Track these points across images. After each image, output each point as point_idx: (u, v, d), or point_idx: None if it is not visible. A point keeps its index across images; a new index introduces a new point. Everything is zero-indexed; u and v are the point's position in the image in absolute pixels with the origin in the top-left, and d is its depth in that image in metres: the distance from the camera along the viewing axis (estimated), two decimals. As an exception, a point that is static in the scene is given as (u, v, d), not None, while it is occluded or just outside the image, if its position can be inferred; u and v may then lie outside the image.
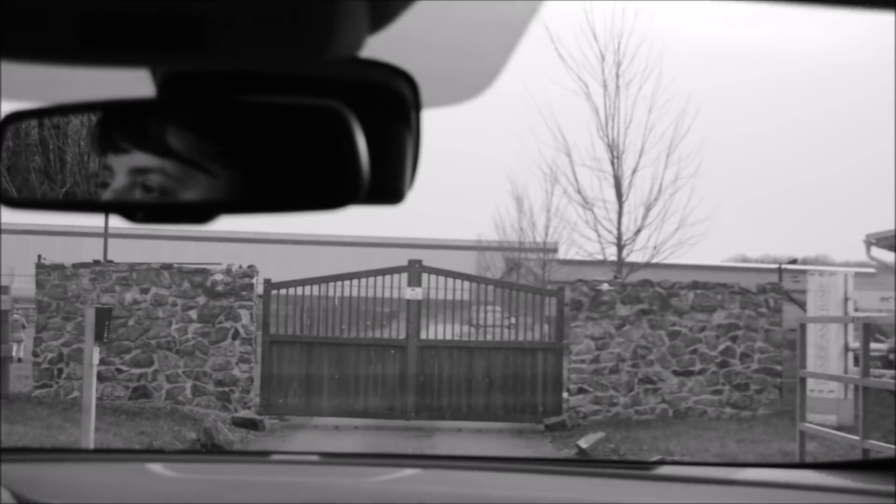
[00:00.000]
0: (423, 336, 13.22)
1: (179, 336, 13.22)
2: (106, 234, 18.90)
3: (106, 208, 1.21)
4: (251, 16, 0.96)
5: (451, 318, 13.97)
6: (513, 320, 13.68)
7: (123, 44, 0.96)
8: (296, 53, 1.02)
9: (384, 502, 1.91)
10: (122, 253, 18.42)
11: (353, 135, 1.08)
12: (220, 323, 13.18)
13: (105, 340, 10.04)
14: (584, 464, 2.54)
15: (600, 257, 19.57)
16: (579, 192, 19.81)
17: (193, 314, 13.23)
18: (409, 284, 13.02)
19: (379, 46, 1.06)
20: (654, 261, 19.11)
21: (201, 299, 13.20)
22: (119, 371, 13.06)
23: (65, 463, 2.27)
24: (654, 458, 8.98)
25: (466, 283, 13.83)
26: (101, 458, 2.53)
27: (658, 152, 19.62)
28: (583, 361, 12.94)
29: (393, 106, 1.15)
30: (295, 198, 1.15)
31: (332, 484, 2.06)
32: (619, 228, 19.07)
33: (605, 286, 12.73)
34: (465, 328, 14.39)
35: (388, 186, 1.15)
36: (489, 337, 13.57)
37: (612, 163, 19.28)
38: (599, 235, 19.47)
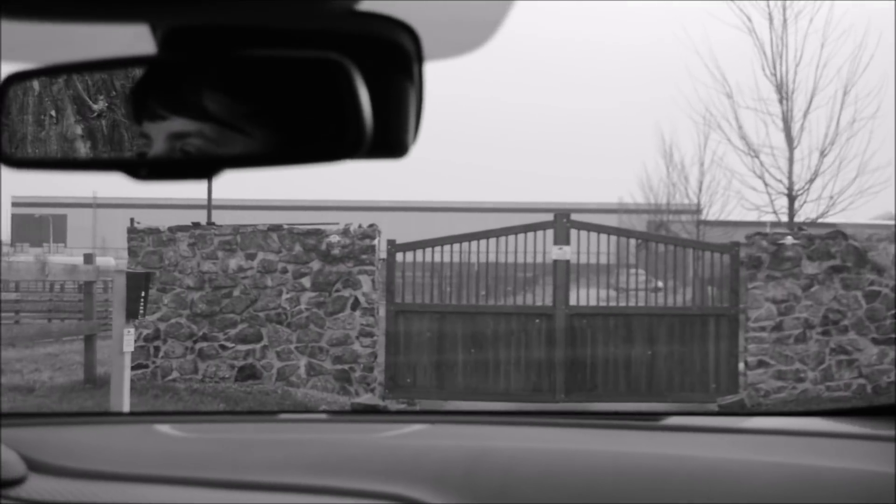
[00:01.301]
0: (571, 302, 11.70)
1: (291, 307, 12.31)
2: (210, 202, 17.74)
3: (109, 166, 1.28)
4: None
5: (595, 282, 12.92)
6: (660, 284, 12.66)
7: None
8: (294, 4, 1.10)
9: (391, 455, 2.01)
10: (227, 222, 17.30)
11: (356, 87, 1.13)
12: (337, 291, 12.28)
13: (141, 316, 8.72)
14: (593, 416, 2.65)
15: (768, 210, 18.01)
16: (743, 137, 18.23)
17: (307, 282, 12.32)
18: (556, 242, 11.77)
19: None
20: (829, 214, 17.48)
21: (315, 265, 12.31)
22: (223, 348, 12.10)
23: (72, 426, 2.38)
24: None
25: (612, 244, 12.25)
26: (108, 421, 2.62)
27: (833, 91, 18.06)
28: (763, 329, 11.68)
29: (394, 58, 1.18)
30: (298, 150, 1.21)
31: (338, 440, 2.17)
32: (790, 177, 17.57)
33: (789, 239, 11.34)
34: (610, 293, 12.85)
35: (391, 139, 1.18)
36: (637, 302, 12.07)
37: (781, 103, 17.68)
38: (767, 185, 17.99)
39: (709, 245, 12.52)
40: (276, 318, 12.29)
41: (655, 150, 43.84)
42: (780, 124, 18.73)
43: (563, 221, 12.04)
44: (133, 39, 1.18)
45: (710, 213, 26.27)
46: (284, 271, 12.29)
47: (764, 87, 18.75)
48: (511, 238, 12.38)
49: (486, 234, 12.30)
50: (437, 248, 12.34)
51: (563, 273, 12.07)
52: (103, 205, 55.96)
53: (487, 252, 12.35)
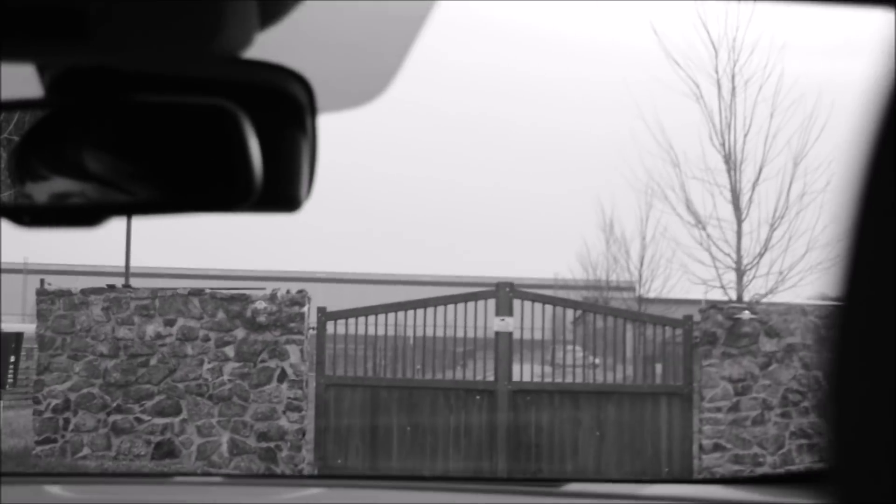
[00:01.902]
0: (514, 378, 11.12)
1: (213, 378, 11.68)
2: (128, 265, 17.01)
3: None
4: (135, 7, 1.04)
5: (530, 358, 12.32)
6: (597, 360, 12.26)
7: (2, 35, 1.04)
8: (182, 49, 1.11)
9: None
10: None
11: (245, 136, 1.13)
12: (263, 362, 11.70)
13: (10, 384, 8.00)
14: (491, 481, 2.73)
15: (715, 284, 17.65)
16: (690, 208, 17.89)
17: (230, 351, 11.72)
18: (498, 313, 11.21)
19: (271, 48, 1.16)
20: (779, 290, 17.21)
21: (240, 333, 11.73)
22: (139, 421, 11.46)
23: None
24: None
25: (547, 318, 11.67)
26: None
27: (783, 162, 17.76)
28: (718, 410, 11.25)
29: (286, 109, 1.20)
30: (186, 199, 1.21)
31: (233, 503, 2.17)
32: (738, 251, 17.21)
33: (746, 314, 10.94)
34: (545, 369, 12.33)
35: (283, 193, 1.19)
36: (574, 379, 11.63)
37: (729, 174, 17.34)
38: (714, 258, 17.58)
39: (661, 319, 12.02)
40: (196, 389, 11.68)
41: (595, 225, 43.81)
42: (728, 195, 18.43)
43: (505, 291, 11.51)
44: (21, 83, 1.20)
45: (652, 289, 26.11)
46: (206, 339, 11.71)
47: (711, 157, 18.44)
48: (450, 308, 11.76)
49: (424, 304, 11.75)
50: (371, 318, 11.72)
51: (505, 346, 11.54)
52: (34, 270, 54.99)
53: (425, 323, 11.76)
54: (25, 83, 1.19)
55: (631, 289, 27.13)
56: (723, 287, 18.40)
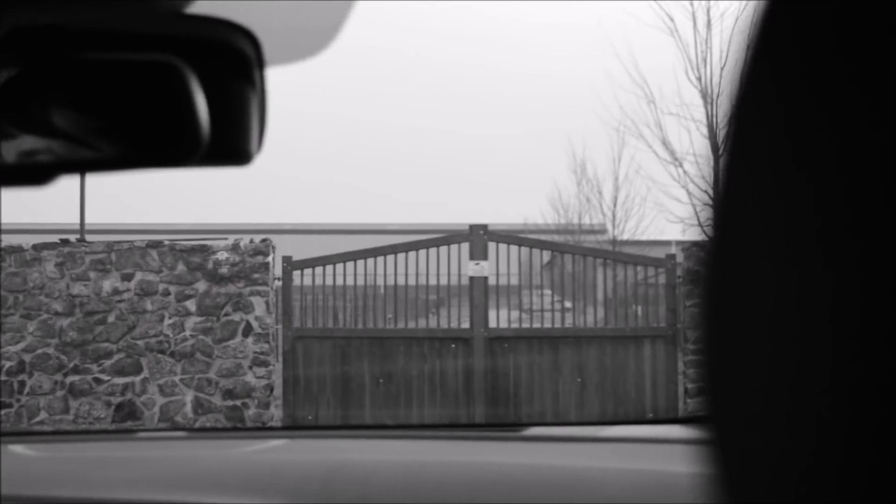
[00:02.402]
0: (490, 324, 10.74)
1: (174, 334, 11.30)
2: (83, 218, 16.43)
3: None
4: None
5: (502, 304, 11.92)
6: (567, 304, 11.94)
7: None
8: (128, 5, 1.19)
9: (248, 470, 2.06)
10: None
11: (191, 90, 1.15)
12: (226, 315, 11.30)
13: None
14: (453, 427, 2.96)
15: (693, 222, 17.37)
16: (666, 145, 17.55)
17: (192, 305, 11.32)
18: (472, 257, 10.78)
19: (217, 3, 1.21)
20: None
21: (201, 286, 11.33)
22: (98, 381, 11.04)
23: None
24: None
25: (516, 263, 11.32)
26: None
27: None
28: None
29: (233, 63, 1.21)
30: (134, 155, 1.23)
31: (196, 456, 2.21)
32: (714, 186, 16.78)
33: (732, 251, 10.22)
34: (515, 315, 11.93)
35: (233, 146, 1.21)
36: (553, 324, 11.53)
37: (706, 109, 16.95)
38: (691, 195, 17.22)
39: (643, 259, 11.63)
40: (157, 346, 11.28)
41: (566, 167, 43.49)
42: (705, 131, 18.05)
43: (479, 234, 11.12)
44: None
45: (626, 230, 25.89)
46: (166, 293, 11.31)
47: (687, 92, 18.10)
48: (421, 255, 11.34)
49: (394, 249, 11.37)
50: (339, 267, 11.30)
51: (480, 292, 11.16)
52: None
53: (396, 271, 11.34)
54: None
55: (603, 231, 26.94)
56: (700, 225, 18.08)
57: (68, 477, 2.09)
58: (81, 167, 1.28)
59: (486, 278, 11.18)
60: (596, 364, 11.15)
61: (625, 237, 25.54)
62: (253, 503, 1.92)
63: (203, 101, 1.15)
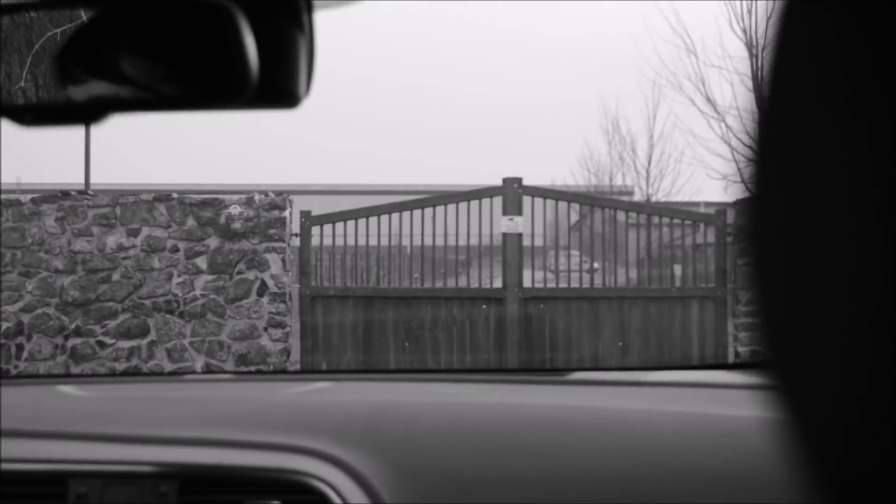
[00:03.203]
0: (525, 284, 10.10)
1: (184, 293, 10.75)
2: (87, 166, 15.82)
3: None
4: None
5: (528, 265, 11.17)
6: (596, 265, 11.41)
7: None
8: None
9: (294, 410, 2.14)
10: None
11: (240, 30, 1.19)
12: (240, 273, 10.74)
13: None
14: (498, 371, 2.96)
15: (735, 179, 16.74)
16: (708, 98, 16.92)
17: (202, 262, 10.77)
18: (506, 212, 10.11)
19: None
20: None
21: (213, 242, 10.77)
22: (101, 345, 10.44)
23: None
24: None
25: (541, 223, 10.69)
26: (6, 384, 2.52)
27: None
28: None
29: (282, 5, 1.24)
30: (183, 96, 1.27)
31: (243, 397, 2.28)
32: (759, 142, 16.14)
33: (790, 204, 9.55)
34: (541, 276, 11.52)
35: (281, 89, 1.24)
36: (591, 284, 10.84)
37: (751, 61, 16.28)
38: (735, 150, 16.57)
39: (690, 214, 10.92)
40: (165, 306, 10.74)
41: (598, 125, 43.33)
42: (750, 84, 17.35)
43: (514, 187, 10.46)
44: None
45: (661, 188, 25.19)
46: (175, 250, 10.74)
47: (731, 44, 17.54)
48: (451, 210, 10.67)
49: (421, 204, 10.69)
50: (362, 222, 10.65)
51: (514, 249, 10.53)
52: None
53: (423, 228, 10.66)
54: None
55: (630, 193, 26.36)
56: (744, 182, 17.51)
57: (120, 415, 2.16)
58: (132, 106, 1.28)
59: (520, 235, 10.54)
60: (639, 326, 10.52)
61: (659, 197, 24.98)
62: (300, 443, 1.98)
63: (252, 41, 1.18)
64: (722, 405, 2.04)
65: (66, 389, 2.35)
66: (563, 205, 10.95)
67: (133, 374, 9.36)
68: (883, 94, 0.44)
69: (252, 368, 10.41)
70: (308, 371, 8.30)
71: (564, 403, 2.12)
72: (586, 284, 10.75)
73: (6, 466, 1.98)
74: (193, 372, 9.75)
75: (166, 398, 2.31)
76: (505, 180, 10.54)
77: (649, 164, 26.05)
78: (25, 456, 2.01)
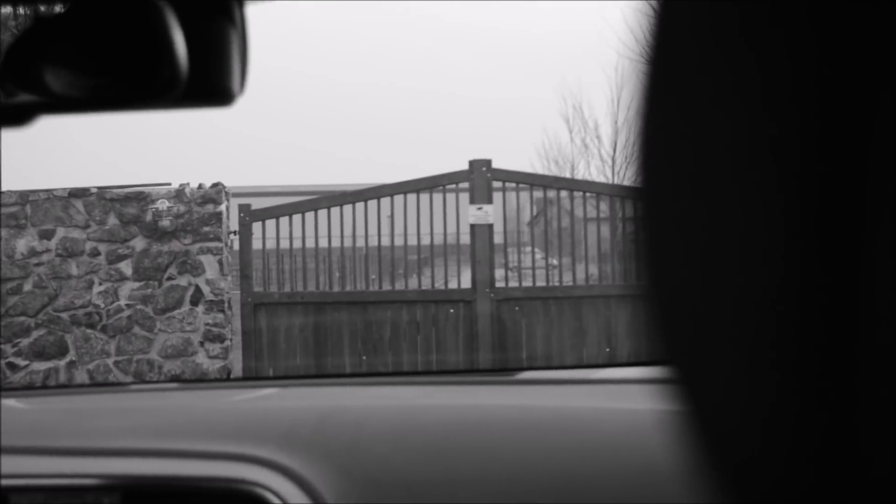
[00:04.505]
0: (499, 284, 9.17)
1: (107, 304, 9.75)
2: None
3: None
4: None
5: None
6: (553, 261, 10.55)
7: None
8: None
9: (240, 417, 2.17)
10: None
11: (168, 27, 1.18)
12: (170, 279, 9.81)
13: None
14: (446, 373, 3.06)
15: None
16: None
17: (127, 268, 9.77)
18: (474, 200, 9.11)
19: None
20: None
21: (139, 243, 9.80)
22: (13, 367, 9.47)
23: None
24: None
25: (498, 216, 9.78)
26: None
27: None
28: None
29: (213, 1, 1.26)
30: (112, 96, 1.28)
31: (188, 406, 2.33)
32: None
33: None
34: (505, 273, 10.71)
35: (214, 86, 1.25)
36: (535, 283, 9.98)
37: None
38: None
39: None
40: (85, 320, 9.77)
41: (558, 112, 43.40)
42: None
43: (482, 171, 9.44)
44: None
45: (627, 177, 24.52)
46: (95, 254, 9.76)
47: None
48: (411, 201, 9.64)
49: (377, 192, 9.66)
50: (310, 217, 9.60)
51: (484, 243, 9.54)
52: None
53: (379, 222, 9.65)
54: None
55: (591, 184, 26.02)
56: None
57: (63, 428, 2.18)
58: (60, 108, 1.28)
59: (490, 226, 9.55)
60: (628, 329, 9.55)
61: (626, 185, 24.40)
62: (245, 451, 2.01)
63: (181, 37, 1.18)
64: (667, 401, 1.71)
65: (8, 403, 2.36)
66: (523, 195, 10.01)
67: (76, 385, 8.65)
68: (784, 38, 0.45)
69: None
70: (254, 378, 7.91)
71: (512, 403, 2.19)
72: (554, 282, 9.80)
73: None
74: (137, 382, 9.02)
75: (110, 409, 2.36)
76: (472, 163, 9.55)
77: (614, 150, 25.30)
78: None
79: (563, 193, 9.84)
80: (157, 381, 8.56)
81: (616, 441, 1.98)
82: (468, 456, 1.98)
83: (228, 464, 1.98)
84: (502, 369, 3.65)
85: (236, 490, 1.94)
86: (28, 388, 7.13)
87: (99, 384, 8.34)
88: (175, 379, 9.39)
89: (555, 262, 10.46)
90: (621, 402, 2.11)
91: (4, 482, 1.99)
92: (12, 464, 2.03)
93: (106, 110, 1.28)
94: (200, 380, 9.13)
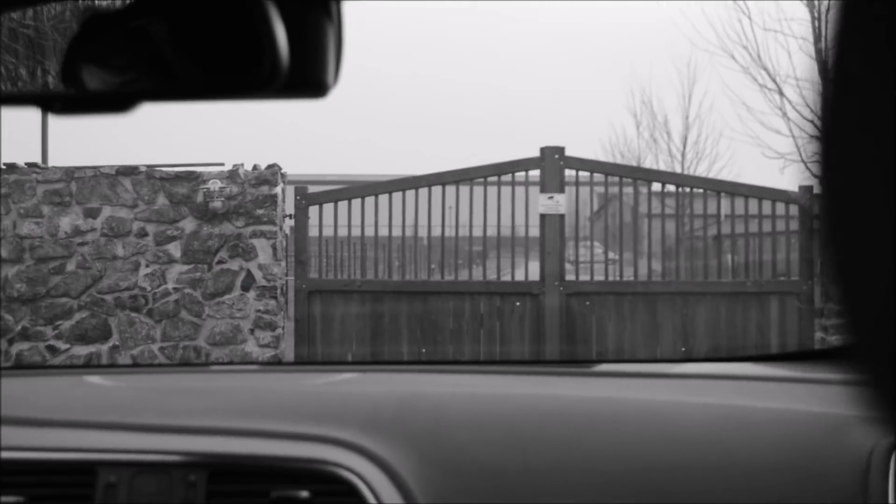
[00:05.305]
0: (568, 277, 8.73)
1: (153, 287, 9.39)
2: (45, 140, 14.35)
3: (22, 100, 1.39)
4: None
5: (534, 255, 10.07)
6: (613, 255, 10.30)
7: None
8: None
9: (321, 400, 2.23)
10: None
11: (271, 19, 1.22)
12: (221, 263, 9.40)
13: None
14: (525, 363, 3.10)
15: (793, 157, 15.66)
16: (763, 67, 15.65)
17: (176, 250, 9.40)
18: (545, 189, 8.76)
19: None
20: None
21: (188, 224, 9.42)
22: (52, 350, 9.17)
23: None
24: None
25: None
26: (35, 373, 2.68)
27: None
28: None
29: None
30: (213, 83, 1.31)
31: (269, 387, 2.40)
32: (824, 116, 14.97)
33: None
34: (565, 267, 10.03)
35: (310, 78, 1.27)
36: (593, 277, 9.49)
37: (813, 24, 15.06)
38: (793, 123, 15.40)
39: (767, 192, 9.40)
40: (130, 303, 9.41)
41: (625, 107, 43.30)
42: (811, 50, 16.07)
43: (554, 158, 9.01)
44: None
45: (698, 173, 24.19)
46: (142, 234, 9.41)
47: (789, 5, 16.53)
48: (477, 191, 9.23)
49: (440, 179, 9.21)
50: (370, 202, 9.19)
51: (555, 234, 9.09)
52: None
53: (444, 210, 9.21)
54: None
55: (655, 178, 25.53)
56: (804, 161, 16.29)
57: (148, 405, 2.24)
58: (160, 95, 1.33)
59: (562, 216, 9.11)
60: (707, 328, 9.09)
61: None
62: (327, 433, 2.05)
63: (282, 29, 1.21)
64: (749, 397, 2.17)
65: (94, 380, 2.47)
66: (586, 188, 9.54)
67: (160, 364, 8.81)
68: None
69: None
70: (333, 362, 7.76)
71: (590, 395, 2.22)
72: (621, 276, 9.36)
73: (34, 455, 2.06)
74: (220, 363, 9.01)
75: (194, 388, 2.42)
76: (543, 150, 9.10)
77: (684, 146, 24.77)
78: (53, 445, 2.08)
79: (629, 189, 9.42)
80: (237, 363, 8.61)
81: (693, 435, 2.03)
82: (546, 446, 2.03)
83: (312, 445, 2.04)
84: (581, 360, 3.62)
85: (321, 471, 1.99)
86: (113, 366, 7.40)
87: (182, 364, 8.38)
88: (254, 361, 9.23)
89: (614, 256, 10.16)
90: (699, 396, 2.16)
91: (92, 456, 2.05)
92: (100, 438, 2.10)
93: (205, 99, 1.32)
94: (280, 362, 9.03)
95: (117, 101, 1.30)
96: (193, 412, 2.17)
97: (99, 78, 1.30)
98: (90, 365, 8.05)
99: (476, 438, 2.04)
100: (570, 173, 9.22)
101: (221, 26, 1.27)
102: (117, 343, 9.24)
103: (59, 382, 2.48)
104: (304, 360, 9.03)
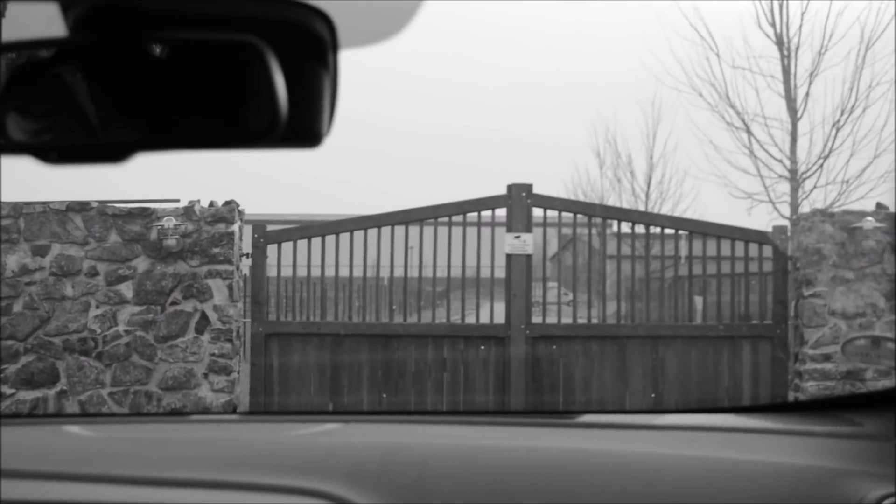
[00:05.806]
0: (535, 320, 8.59)
1: (103, 329, 9.12)
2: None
3: (17, 149, 1.39)
4: None
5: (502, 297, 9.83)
6: (569, 295, 10.27)
7: None
8: None
9: (305, 452, 2.23)
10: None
11: (271, 71, 1.29)
12: (174, 304, 9.17)
13: None
14: (508, 414, 3.06)
15: (762, 198, 15.77)
16: (731, 105, 15.74)
17: (127, 290, 9.15)
18: (511, 229, 8.57)
19: None
20: (839, 204, 15.32)
21: (141, 263, 9.18)
22: None
23: None
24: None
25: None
26: (13, 423, 2.59)
27: (848, 47, 15.98)
28: (827, 358, 8.93)
29: (309, 45, 1.32)
30: (211, 135, 1.36)
31: (251, 438, 2.39)
32: (792, 155, 15.18)
33: (870, 221, 8.20)
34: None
35: (305, 127, 1.32)
36: (559, 319, 9.38)
37: (783, 62, 15.14)
38: (762, 164, 15.48)
39: (739, 232, 9.27)
40: (79, 346, 9.17)
41: (588, 146, 44.16)
42: (781, 88, 16.22)
43: (521, 196, 8.86)
44: (45, 22, 1.28)
45: (661, 213, 24.29)
46: (93, 274, 9.19)
47: (757, 43, 16.67)
48: (442, 229, 9.10)
49: (405, 217, 8.98)
50: (330, 241, 8.99)
51: (521, 275, 8.89)
52: None
53: (406, 249, 9.02)
54: (49, 23, 1.29)
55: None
56: (772, 201, 16.37)
57: (129, 456, 2.23)
58: (159, 146, 1.35)
59: (529, 256, 8.92)
60: (677, 372, 8.91)
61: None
62: (312, 486, 2.04)
63: (282, 81, 1.27)
64: (734, 450, 2.17)
65: (73, 430, 2.46)
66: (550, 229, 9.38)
67: (139, 413, 8.60)
68: None
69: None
70: (315, 412, 7.77)
71: (575, 447, 2.23)
72: (588, 319, 9.23)
73: None
74: (199, 412, 8.87)
75: (174, 439, 2.41)
76: (511, 187, 8.96)
77: (648, 186, 24.90)
78: (31, 498, 2.09)
79: (592, 230, 9.31)
80: (218, 413, 8.66)
81: (679, 489, 2.03)
82: (532, 499, 2.03)
83: (296, 498, 2.03)
84: (563, 411, 3.52)
85: None
86: (92, 415, 7.20)
87: (161, 414, 8.27)
88: (235, 411, 9.08)
89: (570, 295, 9.94)
90: (684, 449, 2.17)
91: None
92: (80, 491, 2.08)
93: (203, 149, 1.34)
94: (262, 412, 8.87)
95: (112, 151, 1.33)
96: (175, 464, 2.17)
97: (94, 128, 1.33)
98: (69, 414, 7.74)
99: (461, 491, 2.05)
100: (537, 213, 9.09)
101: (221, 77, 1.30)
102: (65, 388, 8.99)
103: (37, 433, 2.48)
104: (286, 410, 8.94)
